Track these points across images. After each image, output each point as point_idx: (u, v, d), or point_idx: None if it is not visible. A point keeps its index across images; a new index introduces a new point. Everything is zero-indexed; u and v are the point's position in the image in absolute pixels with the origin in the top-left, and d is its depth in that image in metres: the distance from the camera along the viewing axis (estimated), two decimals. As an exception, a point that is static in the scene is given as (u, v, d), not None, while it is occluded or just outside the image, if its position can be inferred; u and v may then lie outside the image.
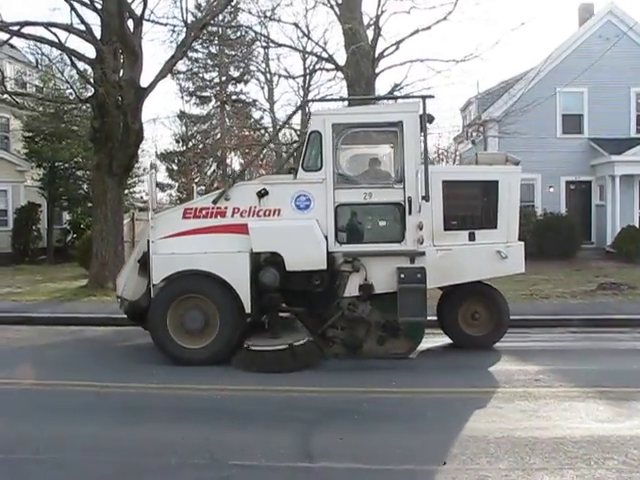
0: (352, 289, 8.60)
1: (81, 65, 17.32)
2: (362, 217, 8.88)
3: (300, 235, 8.44)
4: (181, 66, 21.23)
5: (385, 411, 6.57)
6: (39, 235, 26.51)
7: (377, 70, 19.41)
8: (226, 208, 8.67)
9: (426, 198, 8.41)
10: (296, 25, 21.09)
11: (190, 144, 38.90)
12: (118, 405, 6.88)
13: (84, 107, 22.52)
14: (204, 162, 37.79)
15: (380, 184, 8.65)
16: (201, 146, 37.42)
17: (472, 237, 8.81)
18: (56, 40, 15.49)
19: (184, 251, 8.56)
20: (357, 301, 8.62)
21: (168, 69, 16.77)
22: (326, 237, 8.48)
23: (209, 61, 36.52)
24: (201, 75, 38.07)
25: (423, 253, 8.49)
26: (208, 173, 39.75)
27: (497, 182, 8.87)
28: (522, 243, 9.06)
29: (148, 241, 8.69)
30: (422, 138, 8.51)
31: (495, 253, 8.76)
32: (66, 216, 29.47)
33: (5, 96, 19.59)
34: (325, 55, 20.29)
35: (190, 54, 33.71)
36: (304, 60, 30.35)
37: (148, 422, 6.29)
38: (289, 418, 6.29)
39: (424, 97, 8.53)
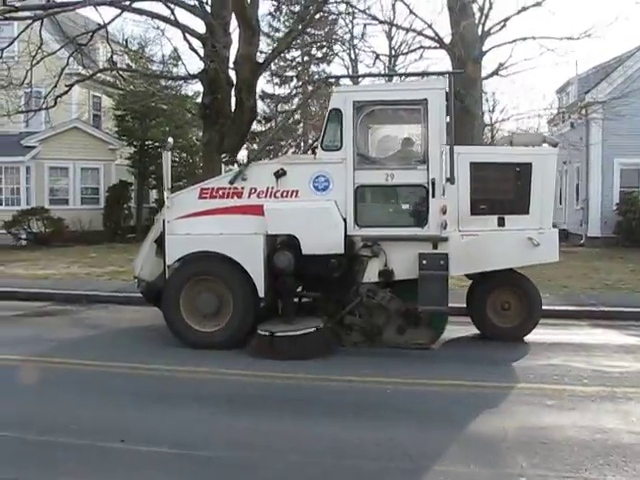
0: (371, 275, 8.23)
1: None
2: (383, 199, 8.50)
3: (317, 217, 8.10)
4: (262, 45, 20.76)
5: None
6: (130, 213, 26.81)
7: (484, 49, 18.80)
8: (243, 188, 8.40)
9: (451, 180, 7.95)
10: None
11: (272, 124, 38.44)
12: (264, 395, 6.56)
13: (175, 84, 22.65)
14: (286, 142, 37.55)
15: (403, 165, 8.21)
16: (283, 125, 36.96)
17: (501, 222, 8.27)
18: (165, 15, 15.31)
19: (199, 232, 8.36)
20: (376, 288, 8.25)
21: (286, 44, 16.31)
22: (345, 220, 8.11)
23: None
24: (283, 55, 37.66)
25: (446, 239, 8.03)
26: (289, 154, 39.43)
27: (530, 165, 8.29)
28: (556, 230, 8.49)
29: (163, 221, 8.53)
30: (448, 117, 8.03)
31: (526, 240, 8.20)
32: (154, 195, 29.65)
33: (99, 75, 19.56)
34: (429, 33, 19.35)
35: (273, 34, 33.61)
36: (390, 39, 29.32)
37: (299, 415, 5.94)
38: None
39: (451, 73, 8.07)
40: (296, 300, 8.69)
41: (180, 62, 23.35)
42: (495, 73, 20.44)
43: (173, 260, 8.32)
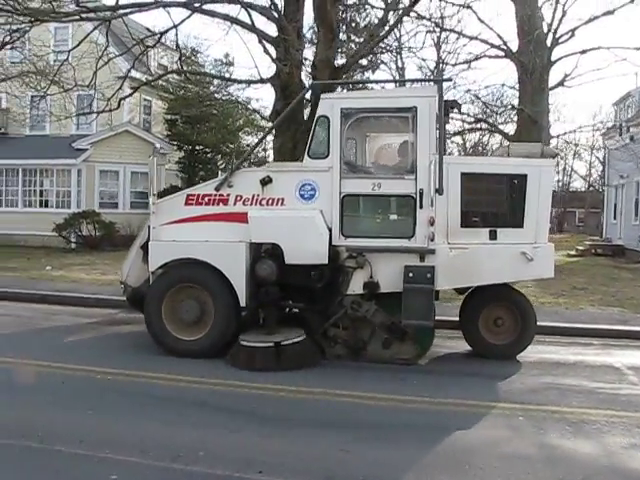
0: (356, 286, 8.01)
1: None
2: (370, 209, 8.27)
3: (301, 226, 7.92)
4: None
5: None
6: None
7: (553, 58, 18.54)
8: (228, 195, 8.27)
9: (439, 191, 7.70)
10: (469, 7, 19.11)
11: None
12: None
13: (225, 91, 22.65)
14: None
15: (390, 174, 7.99)
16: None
17: (493, 236, 7.98)
18: (232, 16, 15.13)
19: (184, 239, 8.25)
20: (361, 300, 8.03)
21: (368, 50, 16.01)
22: (330, 230, 7.93)
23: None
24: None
25: (433, 251, 7.77)
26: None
27: (525, 176, 7.99)
28: (552, 245, 8.16)
29: (149, 227, 8.46)
30: (438, 125, 7.78)
31: (519, 254, 7.90)
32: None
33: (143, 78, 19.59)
34: (495, 42, 19.17)
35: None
36: (437, 49, 28.90)
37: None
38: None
39: (440, 80, 7.81)
40: (286, 310, 8.55)
41: (232, 67, 23.13)
42: (561, 84, 20.07)
43: (156, 267, 8.23)
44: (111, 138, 24.68)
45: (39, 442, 5.13)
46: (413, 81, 9.02)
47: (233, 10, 15.36)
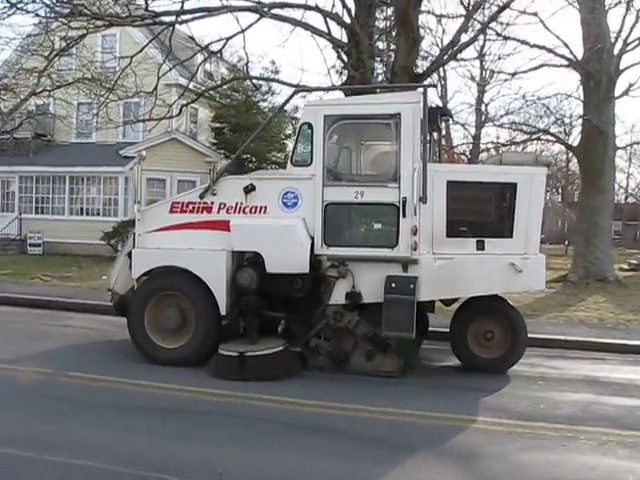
0: (338, 297, 7.86)
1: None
2: (353, 218, 8.12)
3: (282, 235, 7.81)
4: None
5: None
6: None
7: (621, 67, 18.19)
8: (212, 203, 8.21)
9: (423, 200, 7.52)
10: (536, 15, 18.37)
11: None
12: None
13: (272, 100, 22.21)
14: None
15: (373, 182, 7.85)
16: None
17: (481, 246, 7.75)
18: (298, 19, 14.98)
19: (168, 246, 8.22)
20: (344, 310, 7.87)
21: (452, 56, 15.59)
22: (313, 238, 7.81)
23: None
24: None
25: (417, 261, 7.59)
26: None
27: (515, 185, 7.75)
28: (543, 256, 7.89)
29: (134, 234, 8.46)
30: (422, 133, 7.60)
31: (508, 265, 7.65)
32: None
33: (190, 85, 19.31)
34: (559, 51, 18.55)
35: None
36: (481, 59, 28.30)
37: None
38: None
39: (425, 86, 7.64)
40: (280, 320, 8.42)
41: (278, 73, 23.02)
42: (625, 93, 19.62)
43: (138, 274, 8.21)
44: (158, 146, 24.47)
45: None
46: (400, 87, 8.75)
47: (299, 15, 15.11)
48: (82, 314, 11.71)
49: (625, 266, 24.56)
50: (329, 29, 14.81)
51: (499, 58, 31.30)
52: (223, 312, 7.85)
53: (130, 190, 24.19)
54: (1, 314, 11.62)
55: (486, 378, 7.83)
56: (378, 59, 17.97)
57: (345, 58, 15.01)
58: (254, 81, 21.69)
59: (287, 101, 8.54)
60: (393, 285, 7.48)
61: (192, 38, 16.93)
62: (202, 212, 8.24)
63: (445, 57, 15.52)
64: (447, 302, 8.64)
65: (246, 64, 16.96)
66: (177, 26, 15.94)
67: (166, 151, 24.95)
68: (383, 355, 7.82)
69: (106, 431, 5.62)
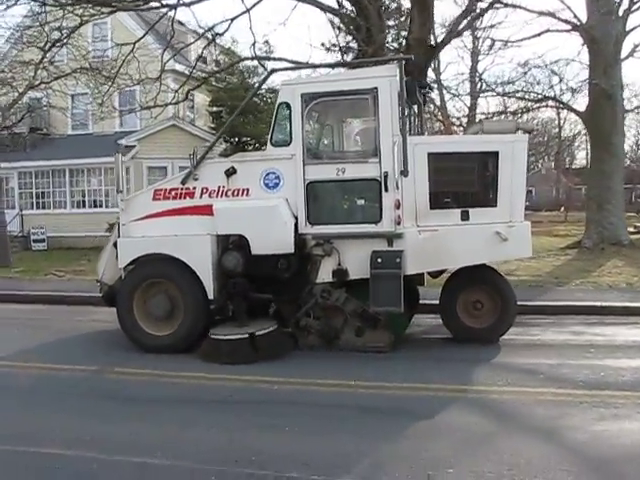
0: (325, 275, 7.86)
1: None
2: (335, 195, 8.09)
3: (265, 216, 7.79)
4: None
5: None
6: None
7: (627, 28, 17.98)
8: (195, 189, 8.18)
9: (404, 173, 7.50)
10: None
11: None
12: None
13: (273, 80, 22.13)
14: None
15: (354, 159, 7.81)
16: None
17: (465, 216, 7.72)
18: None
19: (153, 234, 8.20)
20: (331, 288, 7.88)
21: (466, 26, 15.33)
22: (296, 218, 7.79)
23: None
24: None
25: (401, 235, 7.58)
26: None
27: (497, 153, 7.70)
28: (528, 223, 7.87)
29: (118, 224, 8.44)
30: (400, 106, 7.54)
31: (493, 234, 7.62)
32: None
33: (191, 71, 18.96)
34: (561, 15, 18.40)
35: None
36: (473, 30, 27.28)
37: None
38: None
39: (401, 59, 7.58)
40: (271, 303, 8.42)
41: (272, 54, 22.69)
42: (630, 55, 19.38)
43: (125, 263, 8.21)
44: (157, 133, 24.13)
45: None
46: (376, 61, 8.59)
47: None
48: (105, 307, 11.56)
49: (631, 229, 24.42)
50: (340, 3, 14.53)
51: (492, 26, 30.92)
52: (211, 296, 7.85)
53: (132, 179, 23.66)
54: (26, 312, 11.45)
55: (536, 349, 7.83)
56: (389, 33, 17.73)
57: (351, 34, 14.71)
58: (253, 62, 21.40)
59: (264, 80, 8.64)
60: (379, 260, 7.47)
61: (181, 23, 16.67)
62: (185, 198, 8.22)
63: (460, 27, 15.12)
64: (434, 274, 8.63)
65: (253, 44, 16.36)
66: (170, 12, 15.82)
67: (166, 138, 24.58)
68: (373, 331, 7.83)
69: (175, 428, 5.46)
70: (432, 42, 14.19)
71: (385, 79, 7.54)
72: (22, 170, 25.92)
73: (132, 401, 6.29)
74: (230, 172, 8.01)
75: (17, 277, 15.55)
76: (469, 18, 14.96)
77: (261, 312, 8.28)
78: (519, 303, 8.37)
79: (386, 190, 7.54)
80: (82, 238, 23.35)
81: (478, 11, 15.14)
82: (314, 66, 10.52)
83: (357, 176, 7.73)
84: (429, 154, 7.65)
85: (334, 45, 19.30)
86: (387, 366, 7.20)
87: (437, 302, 8.52)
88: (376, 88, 7.54)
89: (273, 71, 8.53)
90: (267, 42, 17.41)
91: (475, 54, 35.96)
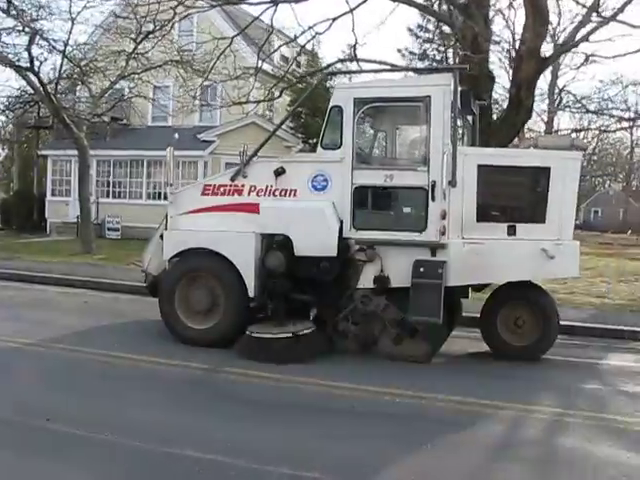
0: (366, 281, 7.84)
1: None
2: (381, 202, 8.04)
3: (310, 218, 7.82)
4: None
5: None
6: None
7: None
8: (243, 186, 8.28)
9: (452, 183, 7.43)
10: None
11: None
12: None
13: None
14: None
15: (402, 166, 7.79)
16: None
17: (512, 231, 7.61)
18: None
19: (199, 228, 8.32)
20: (371, 294, 7.86)
21: (583, 39, 14.25)
22: (341, 221, 7.80)
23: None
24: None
25: (445, 245, 7.51)
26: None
27: (548, 169, 7.58)
28: (577, 242, 7.70)
29: (166, 216, 8.59)
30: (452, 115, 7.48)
31: (539, 251, 7.50)
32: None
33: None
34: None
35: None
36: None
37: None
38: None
39: (456, 69, 7.52)
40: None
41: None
42: None
43: (169, 256, 8.36)
44: (237, 130, 23.93)
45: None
46: (430, 70, 8.53)
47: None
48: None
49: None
50: (450, 9, 14.22)
51: (586, 40, 30.07)
52: (252, 294, 7.92)
53: (209, 174, 23.17)
54: (124, 302, 11.51)
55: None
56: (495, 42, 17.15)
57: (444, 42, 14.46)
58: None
59: (317, 85, 8.52)
60: (421, 269, 7.42)
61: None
62: (233, 194, 8.32)
63: (575, 40, 14.59)
64: (477, 288, 8.53)
65: (354, 46, 16.10)
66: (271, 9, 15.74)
67: (245, 136, 23.39)
68: (411, 340, 7.78)
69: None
70: (544, 55, 13.69)
71: (439, 88, 7.49)
72: (100, 158, 25.86)
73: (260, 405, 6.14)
74: (279, 172, 8.07)
75: (101, 264, 15.76)
76: (585, 33, 14.30)
77: (297, 313, 8.29)
78: (627, 329, 8.14)
79: (433, 199, 7.49)
80: (155, 230, 23.46)
81: (594, 25, 14.52)
82: (365, 72, 10.45)
83: (405, 184, 7.70)
84: (479, 166, 7.57)
85: (411, 53, 19.06)
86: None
87: (478, 315, 8.43)
88: (429, 96, 7.50)
89: (328, 74, 8.56)
90: (352, 46, 16.92)
91: (555, 69, 34.81)
